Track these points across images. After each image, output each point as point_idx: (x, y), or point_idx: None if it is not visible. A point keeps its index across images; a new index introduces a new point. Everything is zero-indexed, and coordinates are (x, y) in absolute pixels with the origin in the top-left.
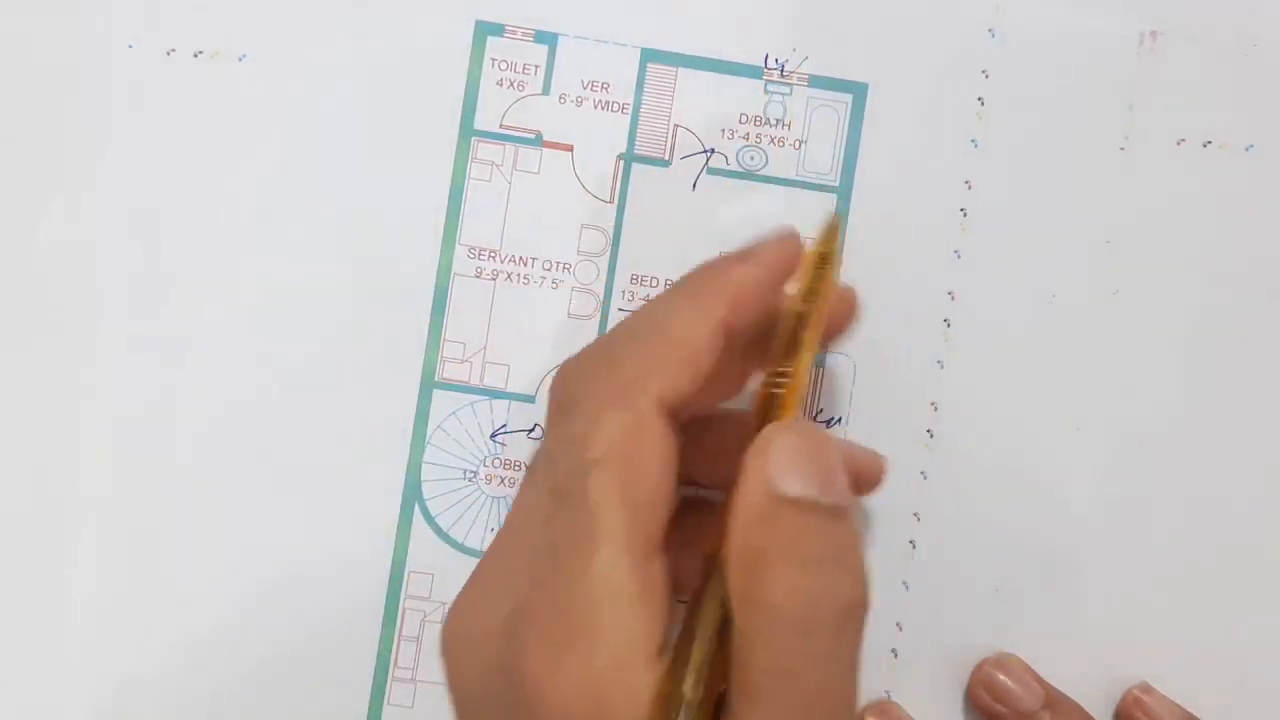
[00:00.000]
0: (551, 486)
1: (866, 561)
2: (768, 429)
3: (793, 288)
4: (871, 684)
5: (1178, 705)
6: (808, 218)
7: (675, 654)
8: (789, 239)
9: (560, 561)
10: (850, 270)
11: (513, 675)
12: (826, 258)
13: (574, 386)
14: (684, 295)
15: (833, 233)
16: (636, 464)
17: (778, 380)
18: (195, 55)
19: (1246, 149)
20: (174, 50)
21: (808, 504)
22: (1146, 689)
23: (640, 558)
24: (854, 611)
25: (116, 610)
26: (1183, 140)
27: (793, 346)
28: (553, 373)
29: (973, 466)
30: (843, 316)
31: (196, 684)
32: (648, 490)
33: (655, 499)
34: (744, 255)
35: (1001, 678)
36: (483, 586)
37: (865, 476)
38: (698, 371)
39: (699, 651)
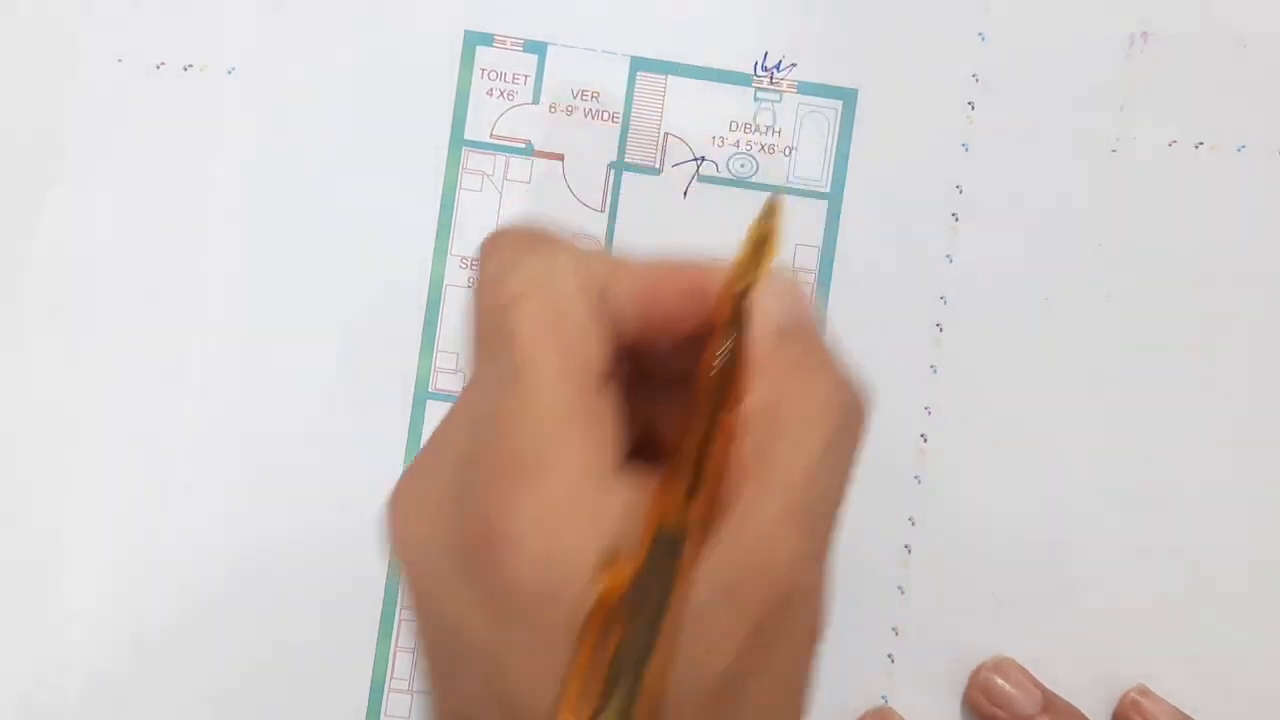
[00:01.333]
0: (479, 335)
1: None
2: (770, 273)
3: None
4: (868, 689)
5: (1174, 707)
6: (798, 224)
7: (664, 484)
8: (710, 270)
9: (497, 402)
10: (843, 275)
11: (465, 522)
12: (767, 237)
13: (494, 246)
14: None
15: (772, 213)
16: (555, 299)
17: (717, 356)
18: (184, 69)
19: (1238, 149)
20: (163, 64)
21: (813, 331)
22: (1143, 691)
23: (577, 382)
24: (862, 418)
25: (113, 616)
26: (1174, 141)
27: (733, 325)
28: None
29: (967, 470)
30: None
31: (193, 693)
32: (571, 322)
33: (580, 331)
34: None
35: (999, 682)
36: (428, 454)
37: None
38: (602, 265)
39: (711, 472)
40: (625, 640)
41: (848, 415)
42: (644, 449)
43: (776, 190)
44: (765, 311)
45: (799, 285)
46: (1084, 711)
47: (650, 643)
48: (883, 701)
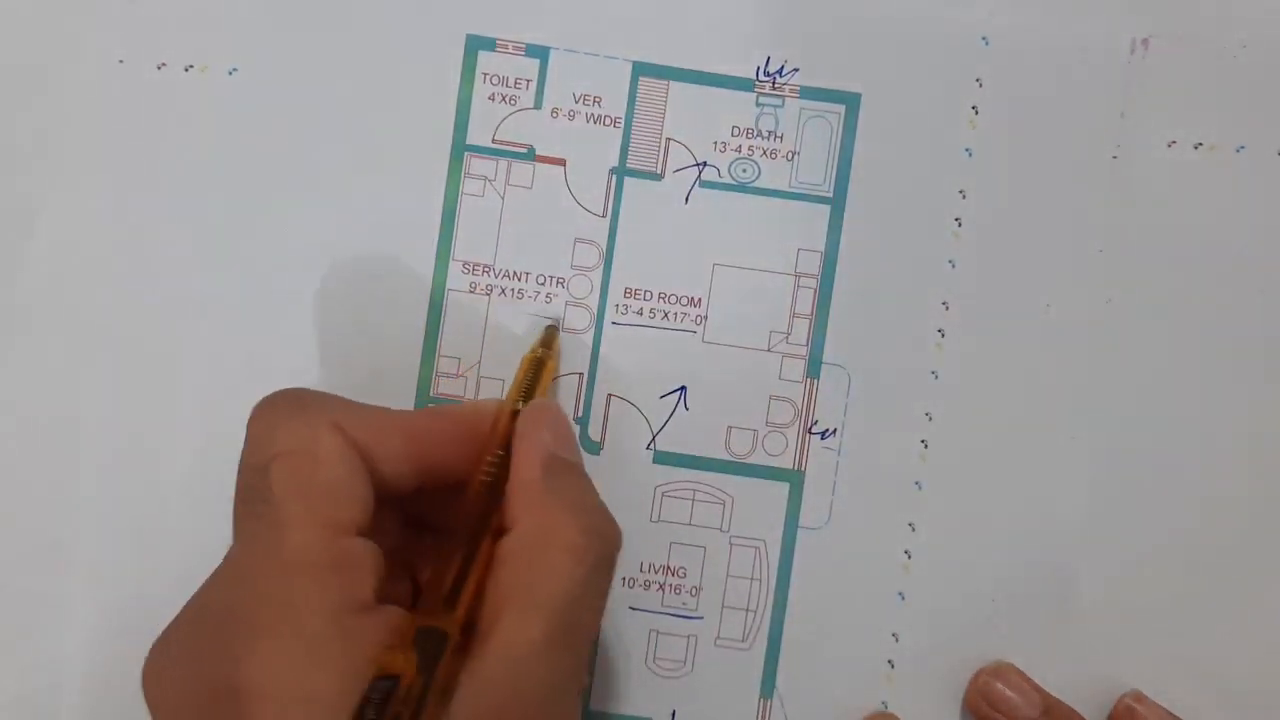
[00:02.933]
0: (241, 494)
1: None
2: (535, 402)
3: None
4: (868, 695)
5: (1170, 713)
6: (800, 229)
7: (425, 598)
8: (482, 408)
9: (251, 551)
10: (845, 280)
11: (212, 678)
12: (542, 362)
13: (259, 412)
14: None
15: (550, 339)
16: (311, 456)
17: (487, 469)
18: (186, 69)
19: (1238, 150)
20: (165, 64)
21: (576, 464)
22: (1139, 697)
23: (329, 535)
24: (616, 552)
25: (113, 616)
26: (1174, 142)
27: (505, 438)
28: (548, 386)
29: (968, 476)
30: None
31: None
32: (327, 478)
33: (336, 486)
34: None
35: (999, 686)
36: (182, 614)
37: None
38: (362, 421)
39: (466, 591)
40: None
41: (604, 549)
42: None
43: (782, 195)
44: (531, 441)
45: (564, 415)
46: (1083, 716)
47: None
48: (883, 707)
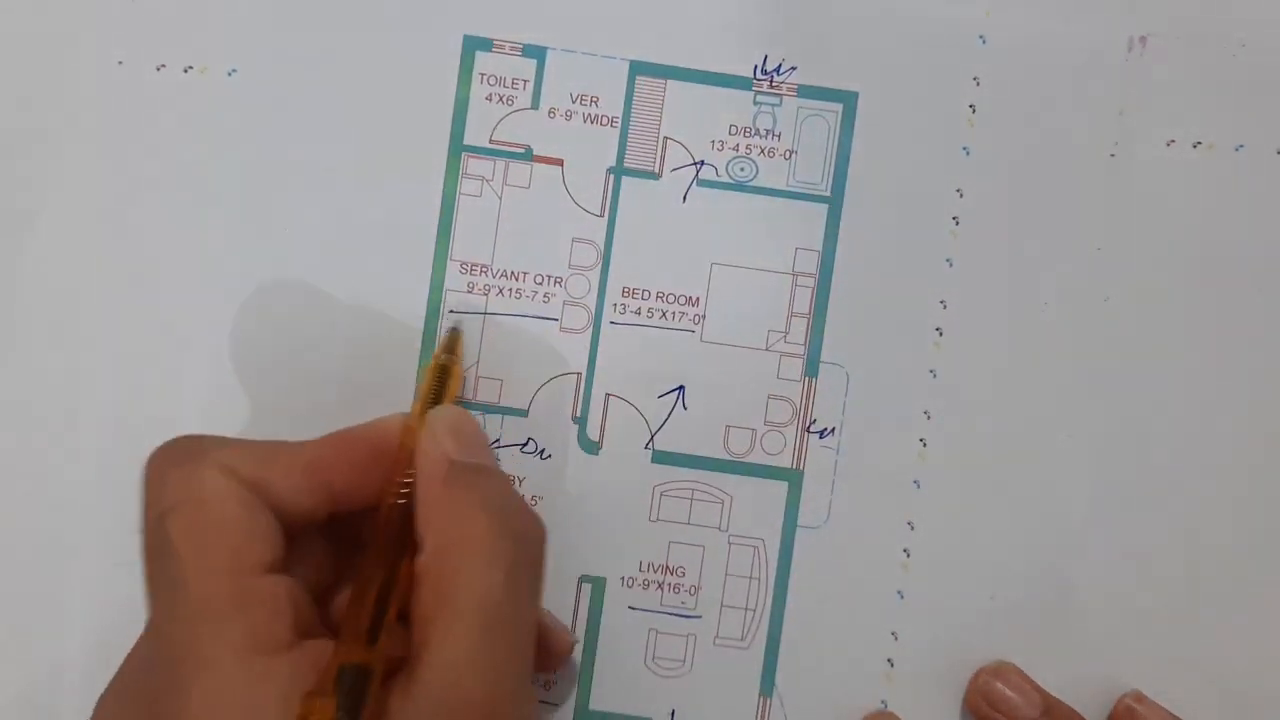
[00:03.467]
0: (143, 551)
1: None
2: (433, 410)
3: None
4: (868, 694)
5: (1170, 713)
6: (798, 228)
7: (345, 632)
8: (390, 425)
9: (158, 605)
10: (843, 279)
11: None
12: (447, 368)
13: (148, 467)
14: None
15: (453, 343)
16: (200, 504)
17: (398, 490)
18: (185, 70)
19: (1236, 149)
20: (164, 65)
21: (480, 466)
22: (1139, 697)
23: (230, 574)
24: (539, 546)
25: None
26: (1172, 141)
27: (412, 455)
28: (546, 385)
29: (966, 474)
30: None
31: None
32: (220, 523)
33: (231, 529)
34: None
35: (999, 686)
36: (116, 676)
37: (555, 650)
38: (254, 459)
39: (387, 620)
40: None
41: (521, 545)
42: None
43: (780, 194)
44: (430, 451)
45: (467, 417)
46: (1083, 717)
47: None
48: (882, 705)
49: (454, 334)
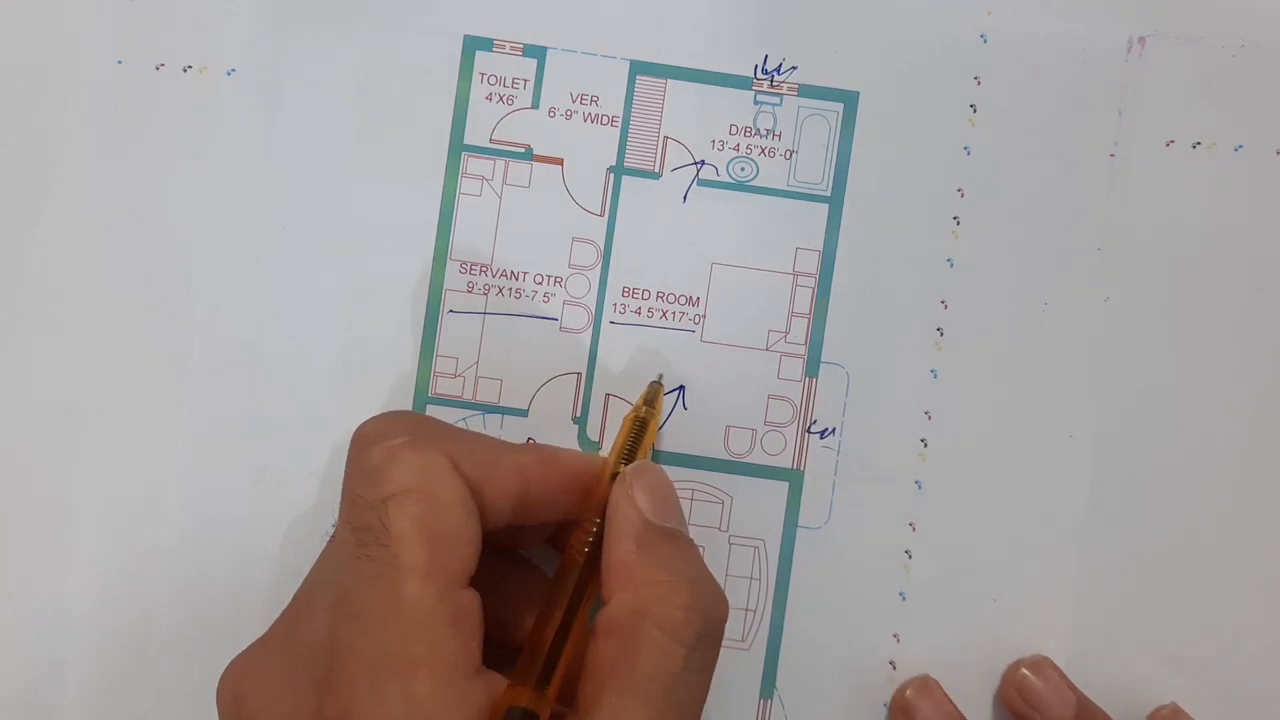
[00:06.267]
0: (353, 525)
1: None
2: (632, 466)
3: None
4: (869, 695)
5: None
6: (799, 228)
7: (519, 671)
8: (591, 462)
9: (367, 595)
10: (843, 279)
11: (326, 712)
12: (645, 421)
13: (373, 438)
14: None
15: (654, 396)
16: (432, 499)
17: (586, 540)
18: (184, 70)
19: (1236, 149)
20: (163, 65)
21: (676, 533)
22: (1175, 711)
23: (446, 586)
24: (722, 625)
25: (113, 616)
26: (1172, 141)
27: (603, 504)
28: (546, 385)
29: (967, 475)
30: None
31: (193, 693)
32: (447, 524)
33: (455, 533)
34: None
35: (1035, 680)
36: (279, 635)
37: None
38: (479, 457)
39: (559, 670)
40: None
41: (708, 624)
42: (497, 632)
43: (781, 193)
44: (626, 509)
45: (665, 478)
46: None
47: None
48: (884, 707)
49: (655, 387)
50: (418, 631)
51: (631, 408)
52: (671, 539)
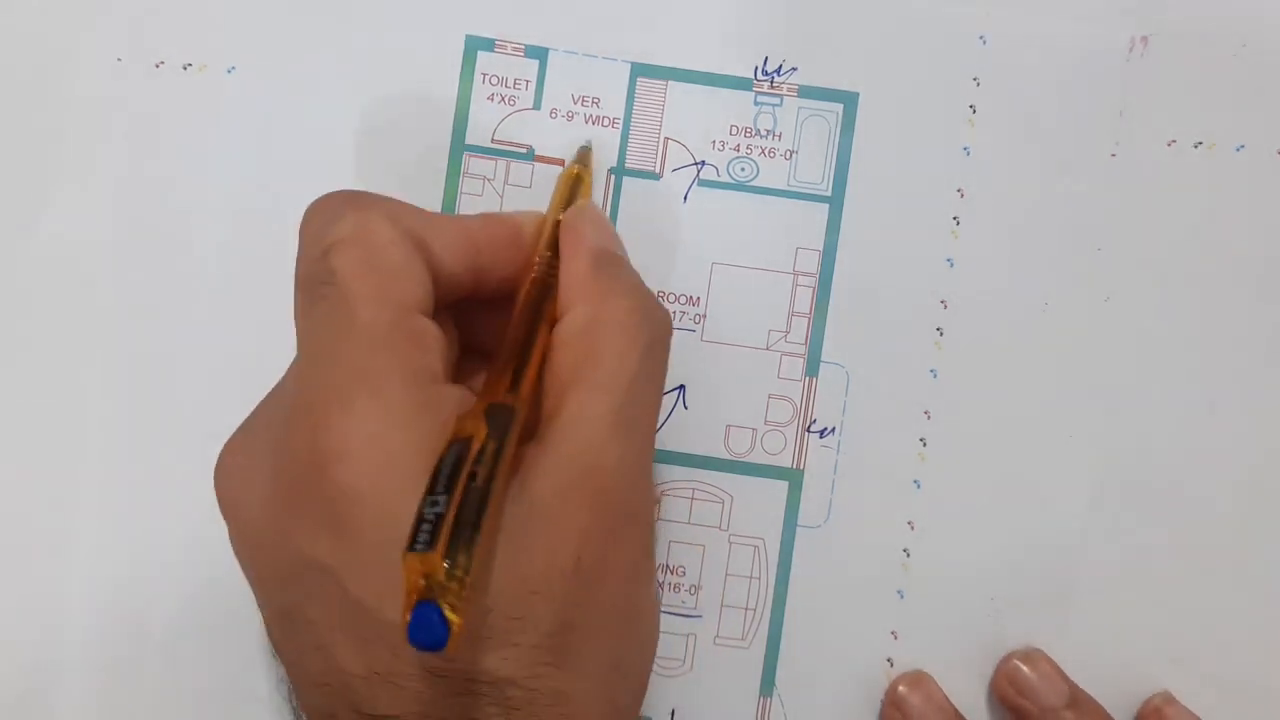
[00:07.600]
0: (302, 281)
1: None
2: (576, 205)
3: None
4: (868, 693)
5: (1196, 717)
6: (799, 228)
7: (489, 381)
8: (534, 216)
9: (323, 330)
10: (843, 279)
11: (293, 455)
12: (580, 177)
13: (316, 207)
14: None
15: (585, 158)
16: (370, 241)
17: (538, 266)
18: (184, 68)
19: (1237, 149)
20: (163, 63)
21: (623, 258)
22: (1168, 699)
23: (399, 312)
24: (669, 334)
25: (113, 616)
26: (1173, 141)
27: (552, 241)
28: None
29: (967, 474)
30: None
31: (193, 693)
32: (388, 260)
33: (399, 269)
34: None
35: (1027, 672)
36: (250, 419)
37: None
38: (416, 215)
39: (531, 369)
40: (465, 499)
41: (657, 329)
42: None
43: (781, 193)
44: (578, 236)
45: (606, 215)
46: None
47: (485, 499)
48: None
49: (585, 150)
50: (377, 348)
51: (565, 167)
52: (620, 261)
